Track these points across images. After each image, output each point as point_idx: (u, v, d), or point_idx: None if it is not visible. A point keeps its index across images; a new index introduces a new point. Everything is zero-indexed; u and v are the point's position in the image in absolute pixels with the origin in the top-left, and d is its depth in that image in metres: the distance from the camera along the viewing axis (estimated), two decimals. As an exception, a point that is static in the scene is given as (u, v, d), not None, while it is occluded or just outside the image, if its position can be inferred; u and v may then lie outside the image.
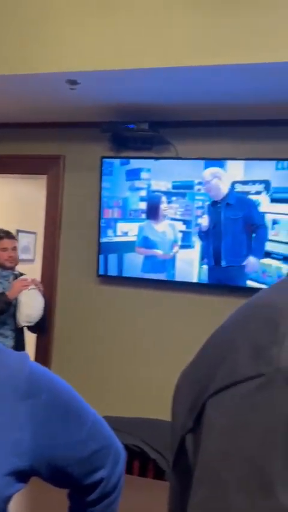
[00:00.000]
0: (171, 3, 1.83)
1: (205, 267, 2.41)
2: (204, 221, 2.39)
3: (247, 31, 1.74)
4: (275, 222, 2.30)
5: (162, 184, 2.46)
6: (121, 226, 2.54)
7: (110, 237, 2.56)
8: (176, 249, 2.46)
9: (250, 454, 0.39)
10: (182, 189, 2.43)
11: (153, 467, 2.20)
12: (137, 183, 2.50)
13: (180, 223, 2.45)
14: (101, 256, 2.58)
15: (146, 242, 2.50)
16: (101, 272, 2.58)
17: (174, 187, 2.44)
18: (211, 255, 2.39)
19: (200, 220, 2.41)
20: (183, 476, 0.47)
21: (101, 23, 1.91)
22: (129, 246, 2.53)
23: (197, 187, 2.40)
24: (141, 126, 2.39)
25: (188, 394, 0.49)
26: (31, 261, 3.79)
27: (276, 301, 0.48)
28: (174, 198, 2.45)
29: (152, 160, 2.47)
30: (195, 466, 0.43)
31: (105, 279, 2.61)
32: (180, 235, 2.45)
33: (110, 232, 2.56)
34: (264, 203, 2.31)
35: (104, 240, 2.57)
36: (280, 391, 0.39)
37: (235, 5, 1.75)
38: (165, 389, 2.42)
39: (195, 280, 2.43)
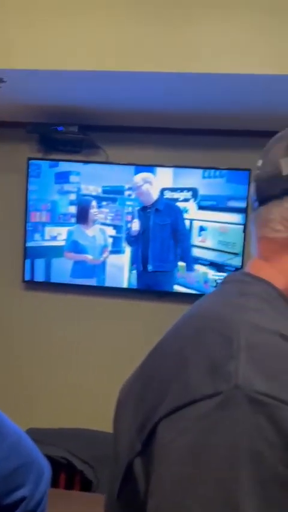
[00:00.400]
0: (102, 7, 1.82)
1: (134, 272, 2.41)
2: (135, 225, 2.40)
3: (176, 41, 1.77)
4: (202, 229, 2.37)
5: (92, 189, 2.43)
6: (49, 230, 2.47)
7: (37, 241, 2.47)
8: (106, 254, 2.43)
9: (214, 477, 0.37)
10: (112, 194, 2.42)
11: (80, 479, 2.14)
12: (66, 187, 2.44)
13: (111, 228, 2.43)
14: (27, 261, 2.48)
15: (76, 247, 2.45)
16: (27, 278, 2.49)
17: (104, 191, 2.42)
18: (140, 260, 2.40)
19: (130, 225, 2.41)
20: (130, 502, 0.44)
21: (28, 22, 1.84)
22: (57, 251, 2.46)
23: (127, 192, 2.41)
24: (70, 129, 2.35)
25: (135, 412, 0.46)
26: None
27: (225, 314, 0.46)
28: (104, 203, 2.43)
29: (81, 164, 2.43)
30: (149, 491, 0.40)
31: (32, 284, 2.51)
32: (110, 240, 2.43)
33: (37, 236, 2.47)
34: (191, 210, 2.37)
35: (30, 244, 2.47)
36: (240, 408, 0.38)
37: (165, 17, 1.78)
38: (93, 397, 2.39)
39: (125, 285, 2.42)
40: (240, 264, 2.28)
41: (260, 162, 0.56)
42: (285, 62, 1.74)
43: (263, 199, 0.54)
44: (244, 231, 2.29)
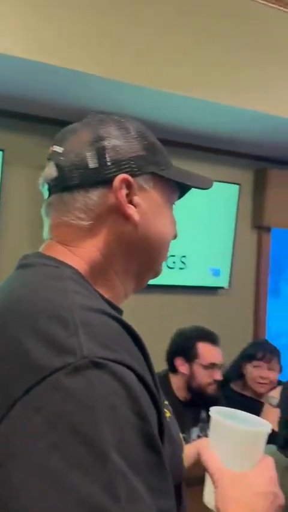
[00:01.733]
0: None
1: None
2: None
3: None
4: None
5: None
6: None
7: None
8: None
9: (79, 437, 0.40)
10: None
11: None
12: None
13: None
14: None
15: None
16: None
17: None
18: None
19: None
20: None
21: None
22: None
23: None
24: None
25: None
26: None
27: (52, 299, 0.49)
28: None
29: None
30: (2, 480, 0.41)
31: None
32: None
33: None
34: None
35: None
36: (89, 372, 0.43)
37: None
38: None
39: None
40: None
41: (58, 149, 0.59)
42: (30, 48, 1.74)
43: (67, 186, 0.57)
44: None
